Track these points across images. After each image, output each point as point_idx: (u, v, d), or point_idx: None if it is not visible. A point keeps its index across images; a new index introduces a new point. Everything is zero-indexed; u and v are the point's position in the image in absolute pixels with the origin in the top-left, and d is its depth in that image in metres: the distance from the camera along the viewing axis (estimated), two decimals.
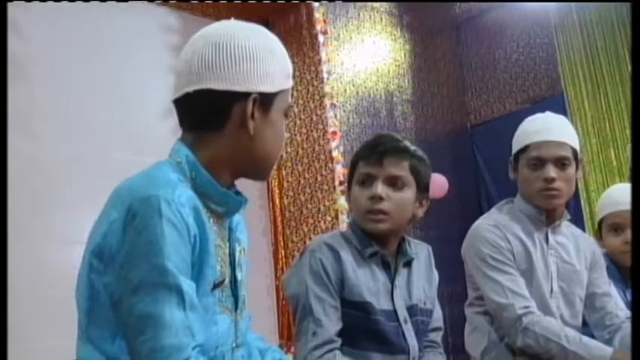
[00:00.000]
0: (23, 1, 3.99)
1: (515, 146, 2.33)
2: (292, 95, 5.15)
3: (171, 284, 1.17)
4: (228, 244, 1.40)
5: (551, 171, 2.22)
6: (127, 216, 1.20)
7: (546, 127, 2.29)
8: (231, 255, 1.41)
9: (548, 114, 2.38)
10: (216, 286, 1.30)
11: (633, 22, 2.50)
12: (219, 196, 1.35)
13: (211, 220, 1.34)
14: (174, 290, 1.17)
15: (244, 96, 1.32)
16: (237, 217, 1.45)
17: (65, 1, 4.14)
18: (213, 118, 1.35)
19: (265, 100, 1.35)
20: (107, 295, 1.23)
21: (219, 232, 1.37)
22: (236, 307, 1.38)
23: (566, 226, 2.39)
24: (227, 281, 1.36)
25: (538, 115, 2.37)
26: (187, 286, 1.19)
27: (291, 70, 1.43)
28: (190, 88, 1.33)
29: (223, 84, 1.32)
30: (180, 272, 1.18)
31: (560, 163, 2.24)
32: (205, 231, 1.27)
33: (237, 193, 1.44)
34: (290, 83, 1.42)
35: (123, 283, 1.19)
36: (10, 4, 3.90)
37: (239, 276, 1.41)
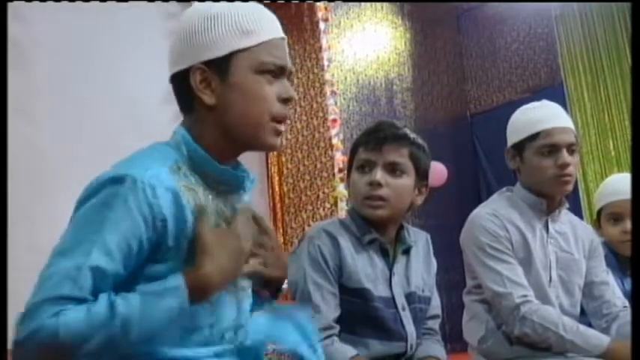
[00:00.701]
0: (31, 2, 3.98)
1: (519, 134, 2.29)
2: (292, 82, 5.18)
3: (92, 240, 1.17)
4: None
5: (566, 157, 2.22)
6: (88, 191, 1.23)
7: (554, 114, 2.28)
8: None
9: (547, 102, 2.37)
10: None
11: (633, 22, 2.49)
12: (218, 172, 1.33)
13: (210, 197, 1.33)
14: (92, 246, 1.17)
15: (188, 72, 1.33)
16: (247, 198, 1.43)
17: None
18: (182, 101, 1.38)
19: (218, 66, 1.31)
20: None
21: (219, 210, 1.35)
22: (235, 287, 1.37)
23: (565, 214, 2.39)
24: None
25: (537, 104, 2.35)
26: (111, 238, 1.18)
27: (251, 27, 1.33)
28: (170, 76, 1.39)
29: (173, 67, 1.35)
30: (100, 249, 1.17)
31: (570, 149, 2.24)
32: (184, 213, 1.25)
33: (241, 170, 1.42)
34: (254, 40, 1.33)
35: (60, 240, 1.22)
36: None
37: None
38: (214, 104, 1.32)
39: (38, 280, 1.18)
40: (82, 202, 1.22)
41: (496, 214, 2.26)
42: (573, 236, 2.35)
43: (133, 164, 1.24)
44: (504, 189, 2.41)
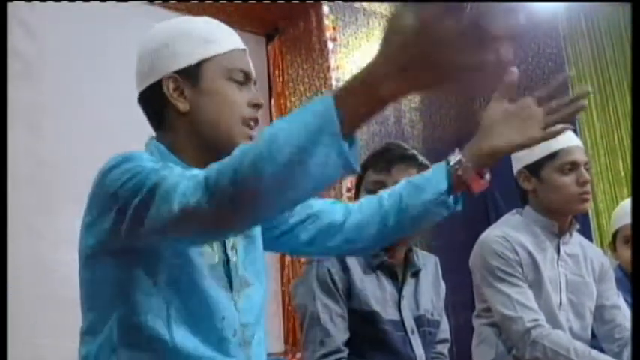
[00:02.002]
0: (31, 4, 4.01)
1: (535, 155, 2.27)
2: (301, 101, 5.18)
3: (153, 167, 1.16)
4: None
5: (586, 174, 2.23)
6: (98, 182, 1.23)
7: (568, 133, 2.29)
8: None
9: None
10: None
11: (633, 21, 2.49)
12: None
13: None
14: (160, 167, 1.16)
15: (161, 83, 1.36)
16: None
17: (75, 4, 4.16)
18: (155, 116, 1.41)
19: (188, 75, 1.36)
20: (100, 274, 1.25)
21: None
22: (231, 288, 1.36)
23: (575, 237, 2.38)
24: (218, 261, 1.35)
25: None
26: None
27: (214, 37, 1.39)
28: (137, 98, 1.42)
29: (144, 82, 1.39)
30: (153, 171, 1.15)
31: (586, 167, 2.25)
32: None
33: None
34: (217, 50, 1.38)
35: (121, 204, 1.16)
36: (19, 7, 3.94)
37: (233, 258, 1.39)
38: (188, 110, 1.36)
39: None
40: (98, 187, 1.23)
41: (506, 237, 2.25)
42: (584, 259, 2.34)
43: (127, 152, 1.26)
44: (514, 211, 2.40)
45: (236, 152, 1.01)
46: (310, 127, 0.92)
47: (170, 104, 1.36)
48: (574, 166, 2.23)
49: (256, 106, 1.41)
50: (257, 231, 1.50)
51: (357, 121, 0.93)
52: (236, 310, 1.35)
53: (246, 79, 1.40)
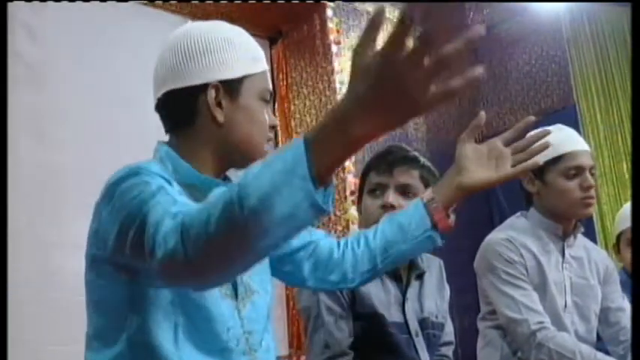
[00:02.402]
0: (35, 7, 4.02)
1: (540, 157, 2.27)
2: (305, 105, 5.18)
3: (152, 189, 1.15)
4: None
5: (590, 179, 2.22)
6: (106, 194, 1.23)
7: (575, 137, 2.29)
8: None
9: (562, 125, 2.36)
10: None
11: (633, 22, 2.48)
12: (202, 183, 1.35)
13: None
14: (155, 191, 1.15)
15: (205, 88, 1.35)
16: None
17: (78, 7, 4.17)
18: (182, 116, 1.39)
19: (230, 87, 1.36)
20: (107, 282, 1.25)
21: None
22: (236, 295, 1.36)
23: (580, 239, 2.37)
24: None
25: (553, 127, 2.33)
26: (164, 185, 1.17)
27: (258, 54, 1.42)
28: (159, 94, 1.39)
29: (183, 81, 1.36)
30: (158, 184, 1.17)
31: (591, 171, 2.24)
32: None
33: (226, 179, 1.45)
34: (260, 68, 1.41)
35: (122, 229, 1.16)
36: (22, 10, 3.95)
37: None
38: (223, 122, 1.36)
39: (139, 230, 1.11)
40: (106, 200, 1.23)
41: (511, 240, 2.25)
42: (588, 261, 2.33)
43: (125, 167, 1.26)
44: (518, 213, 2.40)
45: (211, 198, 1.01)
46: (280, 172, 0.91)
47: (205, 112, 1.36)
48: (578, 170, 2.22)
49: (273, 127, 1.45)
50: None
51: (330, 164, 0.92)
52: (239, 319, 1.35)
53: (270, 99, 1.43)
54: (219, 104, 1.36)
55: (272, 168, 0.93)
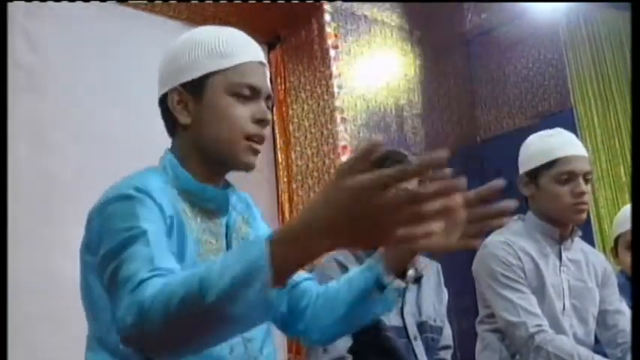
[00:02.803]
0: (34, 15, 4.03)
1: (534, 161, 2.29)
2: (303, 109, 5.18)
3: (137, 234, 1.18)
4: (224, 241, 1.40)
5: (583, 185, 2.21)
6: (101, 208, 1.26)
7: (571, 142, 2.28)
8: (228, 251, 1.40)
9: (561, 129, 2.37)
10: None
11: (633, 22, 2.49)
12: (200, 191, 1.37)
13: (199, 218, 1.36)
14: (139, 236, 1.18)
15: (171, 93, 1.39)
16: (235, 214, 1.45)
17: (77, 15, 4.17)
18: (166, 123, 1.44)
19: (193, 88, 1.37)
20: (100, 284, 1.26)
21: (211, 228, 1.38)
22: None
23: (577, 242, 2.38)
24: None
25: (551, 131, 2.34)
26: (152, 231, 1.19)
27: (225, 50, 1.37)
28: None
29: (159, 91, 1.42)
30: (147, 224, 1.20)
31: (586, 177, 2.24)
32: (182, 221, 1.30)
33: (231, 189, 1.46)
34: (229, 63, 1.37)
35: (104, 260, 1.21)
36: (22, 18, 3.96)
37: None
38: (189, 124, 1.38)
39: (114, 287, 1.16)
40: (99, 214, 1.26)
41: (509, 243, 2.25)
42: (586, 264, 2.34)
43: (126, 180, 1.30)
44: (516, 217, 2.40)
45: (173, 284, 1.03)
46: (242, 274, 0.94)
47: (174, 117, 1.39)
48: (571, 175, 2.22)
49: (260, 121, 1.39)
50: None
51: (290, 271, 0.96)
52: None
53: (253, 93, 1.38)
54: (185, 107, 1.37)
55: (234, 268, 0.95)
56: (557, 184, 2.23)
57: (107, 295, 1.21)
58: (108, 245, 1.20)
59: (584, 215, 2.25)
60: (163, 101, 1.41)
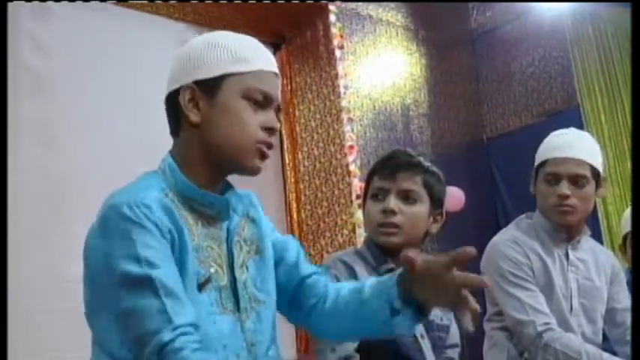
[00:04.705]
0: (41, 19, 4.05)
1: (537, 160, 2.33)
2: (309, 110, 5.19)
3: (142, 276, 1.20)
4: (225, 245, 1.40)
5: (565, 187, 2.21)
6: (98, 225, 1.28)
7: (566, 144, 2.27)
8: (229, 256, 1.40)
9: (573, 130, 2.37)
10: (201, 285, 1.31)
11: (633, 22, 2.49)
12: (200, 197, 1.36)
13: (199, 223, 1.36)
14: (145, 281, 1.20)
15: (182, 90, 1.37)
16: (236, 218, 1.44)
17: (83, 18, 4.19)
18: (172, 121, 1.42)
19: (207, 87, 1.35)
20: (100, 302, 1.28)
21: (211, 233, 1.38)
22: (238, 308, 1.37)
23: (586, 241, 2.37)
24: (226, 282, 1.36)
25: (562, 131, 2.35)
26: (157, 273, 1.21)
27: (245, 54, 1.37)
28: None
29: (169, 87, 1.40)
30: (149, 263, 1.21)
31: (575, 180, 2.23)
32: (182, 230, 1.30)
33: (233, 194, 1.45)
34: (247, 68, 1.37)
35: (103, 287, 1.25)
36: (28, 21, 3.98)
37: (242, 276, 1.39)
38: (199, 122, 1.36)
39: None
40: (96, 233, 1.29)
41: (517, 241, 2.25)
42: (594, 263, 2.33)
43: (125, 192, 1.30)
44: (524, 215, 2.40)
45: None
46: None
47: (183, 114, 1.37)
48: (555, 177, 2.24)
49: (269, 129, 1.39)
50: (268, 250, 1.50)
51: None
52: (242, 332, 1.36)
53: (265, 101, 1.38)
54: (196, 105, 1.36)
55: None
56: (546, 185, 2.27)
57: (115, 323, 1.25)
58: (108, 276, 1.23)
59: (570, 217, 2.24)
60: (171, 98, 1.39)
